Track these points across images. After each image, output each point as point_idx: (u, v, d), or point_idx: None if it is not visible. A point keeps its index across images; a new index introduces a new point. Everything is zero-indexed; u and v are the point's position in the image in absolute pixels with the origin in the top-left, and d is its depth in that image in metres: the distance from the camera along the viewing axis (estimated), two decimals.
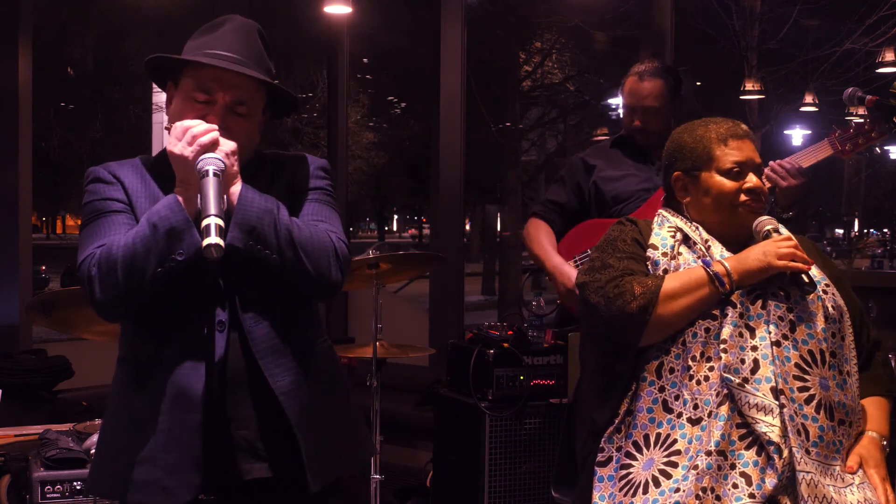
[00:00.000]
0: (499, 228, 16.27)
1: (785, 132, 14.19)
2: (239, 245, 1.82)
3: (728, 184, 2.13)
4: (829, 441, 1.96)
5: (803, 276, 2.04)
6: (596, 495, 2.01)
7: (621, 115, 3.35)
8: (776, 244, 2.04)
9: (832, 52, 11.48)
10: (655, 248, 2.12)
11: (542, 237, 3.26)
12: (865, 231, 24.52)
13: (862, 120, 2.83)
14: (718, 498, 1.86)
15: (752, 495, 1.86)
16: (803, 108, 12.35)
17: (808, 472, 1.88)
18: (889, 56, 10.02)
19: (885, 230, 24.74)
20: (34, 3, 4.90)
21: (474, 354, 3.59)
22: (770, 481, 1.87)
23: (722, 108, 12.72)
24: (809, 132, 13.68)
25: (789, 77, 12.36)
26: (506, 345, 3.58)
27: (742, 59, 12.09)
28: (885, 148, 15.34)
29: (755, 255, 2.03)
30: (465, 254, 7.13)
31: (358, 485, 3.97)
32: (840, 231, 25.45)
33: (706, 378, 1.96)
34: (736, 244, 2.12)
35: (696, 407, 1.96)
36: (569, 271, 3.09)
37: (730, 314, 1.99)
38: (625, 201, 3.13)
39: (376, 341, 3.51)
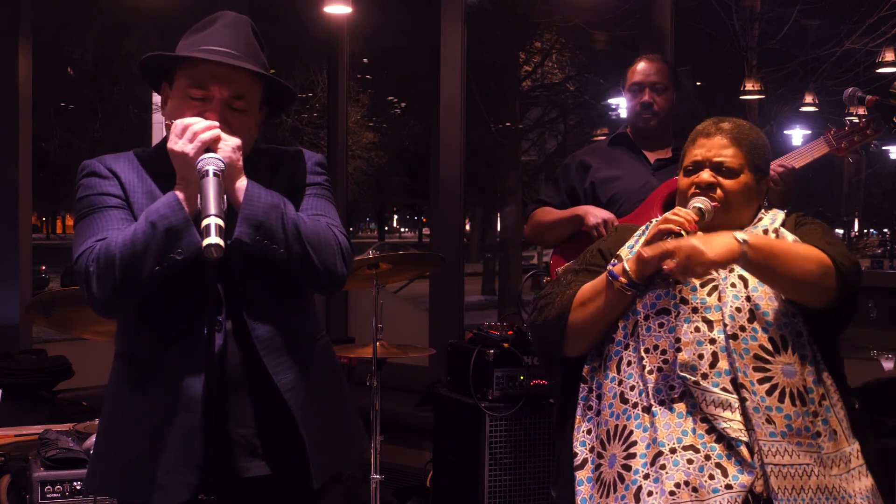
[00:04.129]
0: (499, 228, 16.27)
1: (785, 132, 14.17)
2: (247, 240, 1.82)
3: (683, 181, 2.15)
4: (798, 428, 1.92)
5: (673, 232, 1.97)
6: (578, 500, 2.01)
7: (623, 114, 3.36)
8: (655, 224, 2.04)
9: (832, 52, 11.48)
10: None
11: (549, 209, 3.26)
12: (865, 231, 24.54)
13: (857, 119, 2.84)
14: (695, 490, 1.85)
15: (728, 486, 1.85)
16: (803, 108, 12.33)
17: (777, 465, 1.87)
18: (889, 56, 10.02)
19: (885, 230, 24.75)
20: (34, 3, 4.89)
21: (474, 354, 3.59)
22: (748, 472, 1.86)
23: (722, 108, 12.74)
24: (809, 132, 13.66)
25: (789, 77, 12.36)
26: (506, 345, 3.58)
27: (742, 59, 12.09)
28: (885, 148, 15.35)
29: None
30: (465, 254, 7.13)
31: (358, 485, 3.97)
32: (840, 231, 25.45)
33: (659, 369, 1.96)
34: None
35: (648, 395, 1.95)
36: (595, 209, 3.09)
37: (682, 311, 1.98)
38: (621, 203, 3.13)
39: (376, 341, 3.51)
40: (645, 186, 3.11)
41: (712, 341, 1.94)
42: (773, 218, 2.17)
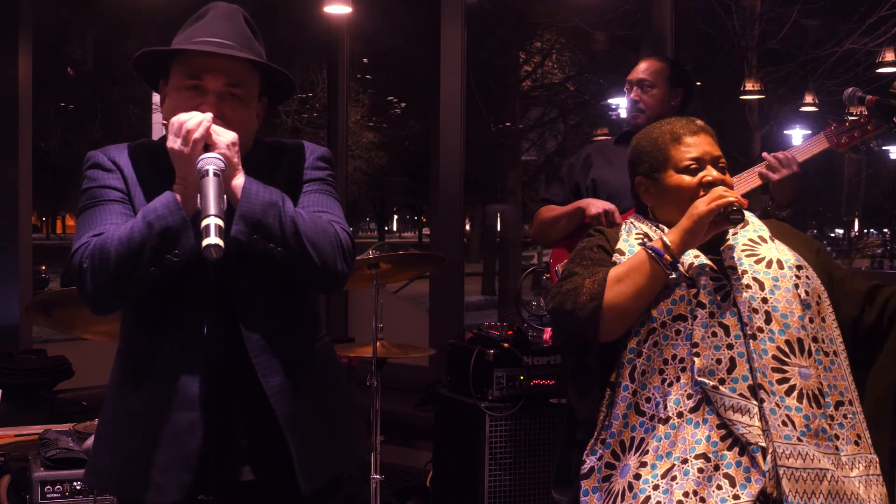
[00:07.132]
0: (499, 228, 16.27)
1: (785, 132, 14.19)
2: (243, 239, 1.78)
3: (687, 180, 2.11)
4: (817, 429, 1.93)
5: (733, 209, 1.99)
6: None
7: (623, 114, 3.38)
8: (702, 196, 2.04)
9: (832, 52, 11.49)
10: (622, 252, 2.11)
11: (552, 207, 3.28)
12: (865, 231, 24.54)
13: (858, 116, 2.84)
14: (703, 500, 1.85)
15: (736, 496, 1.84)
16: (803, 108, 12.35)
17: (790, 468, 1.87)
18: (889, 56, 10.03)
19: (885, 230, 24.74)
20: (34, 3, 4.89)
21: (474, 354, 3.59)
22: (756, 480, 1.86)
23: (722, 108, 12.74)
24: (809, 132, 13.67)
25: (789, 77, 12.38)
26: (506, 345, 3.58)
27: (742, 59, 12.10)
28: (885, 148, 15.34)
29: (685, 216, 2.03)
30: (465, 254, 7.12)
31: (358, 485, 3.97)
32: (840, 231, 25.45)
33: (677, 379, 1.95)
34: (707, 243, 2.07)
35: (665, 407, 1.94)
36: (596, 200, 3.11)
37: (699, 315, 1.97)
38: (618, 202, 3.13)
39: (376, 341, 3.51)
40: None
41: (729, 346, 1.94)
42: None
